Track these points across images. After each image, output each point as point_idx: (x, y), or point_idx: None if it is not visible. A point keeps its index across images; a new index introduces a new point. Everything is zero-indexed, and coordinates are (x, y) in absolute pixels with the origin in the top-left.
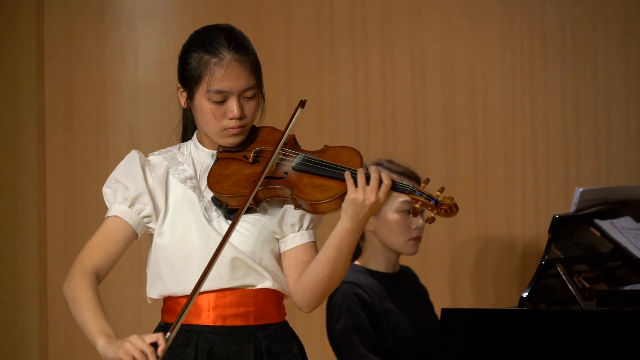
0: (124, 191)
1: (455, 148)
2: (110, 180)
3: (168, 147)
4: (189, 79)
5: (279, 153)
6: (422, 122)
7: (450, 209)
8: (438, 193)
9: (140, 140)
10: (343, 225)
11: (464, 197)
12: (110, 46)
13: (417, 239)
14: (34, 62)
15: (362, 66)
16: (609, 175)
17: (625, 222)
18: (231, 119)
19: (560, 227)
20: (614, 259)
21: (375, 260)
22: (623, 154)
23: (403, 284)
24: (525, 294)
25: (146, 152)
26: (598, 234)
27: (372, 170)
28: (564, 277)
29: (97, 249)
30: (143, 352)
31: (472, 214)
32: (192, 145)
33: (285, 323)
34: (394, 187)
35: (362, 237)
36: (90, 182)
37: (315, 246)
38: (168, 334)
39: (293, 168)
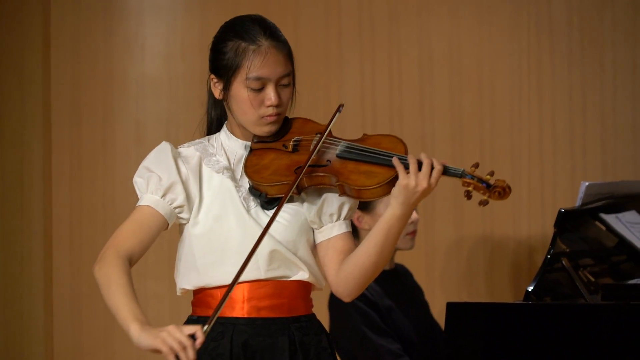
0: (157, 181)
1: (462, 143)
2: (141, 170)
3: (197, 139)
4: (225, 68)
5: (324, 140)
6: (429, 118)
7: (504, 191)
8: (488, 176)
9: (146, 134)
10: (393, 211)
11: None
12: (117, 40)
13: (413, 233)
14: (41, 56)
15: (369, 62)
16: (615, 170)
17: (631, 216)
18: (269, 106)
19: (566, 221)
20: (619, 253)
21: None
22: (629, 149)
23: (399, 282)
24: (530, 288)
25: (153, 146)
26: (603, 228)
27: (424, 157)
28: (569, 271)
29: (130, 235)
30: (181, 344)
31: (479, 208)
32: (224, 136)
33: (314, 315)
34: (446, 171)
35: (357, 235)
36: (97, 176)
37: (351, 235)
38: (206, 326)
39: (337, 156)
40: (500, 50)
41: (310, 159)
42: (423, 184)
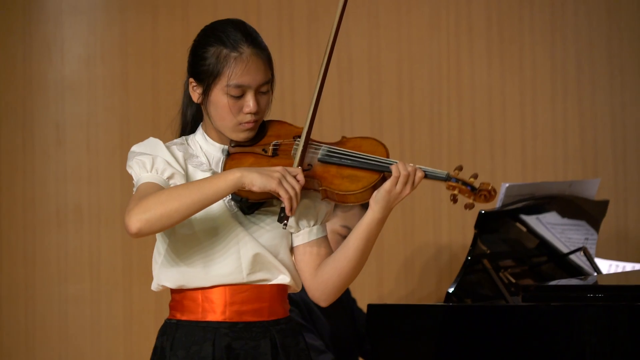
0: (163, 163)
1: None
2: (138, 155)
3: (175, 140)
4: (206, 73)
5: (306, 144)
6: (349, 118)
7: (490, 194)
8: (472, 179)
9: (66, 137)
10: (374, 215)
11: None
12: (37, 42)
13: None
14: None
15: (288, 62)
16: (535, 171)
17: (551, 217)
18: (247, 113)
19: (487, 222)
20: (540, 254)
21: None
22: (549, 150)
23: None
24: (451, 290)
25: (74, 148)
26: (524, 229)
27: (407, 164)
28: (490, 273)
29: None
30: (294, 189)
31: (398, 209)
32: (200, 138)
33: (291, 318)
34: (429, 176)
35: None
36: (16, 179)
37: (328, 240)
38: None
39: (319, 160)
40: (419, 51)
41: (297, 161)
42: (407, 190)
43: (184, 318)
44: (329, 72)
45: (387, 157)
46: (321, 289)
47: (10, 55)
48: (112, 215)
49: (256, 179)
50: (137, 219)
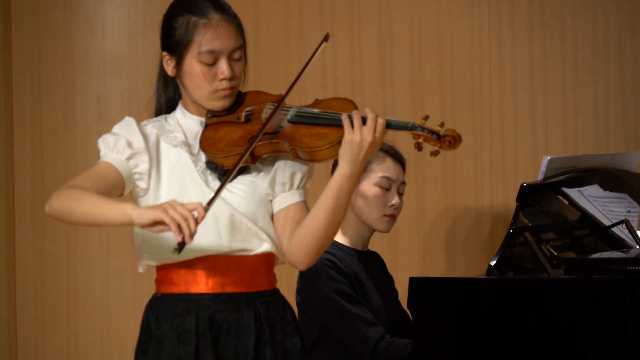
0: (125, 144)
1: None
2: (107, 135)
3: (153, 118)
4: (177, 44)
5: (280, 107)
6: (390, 93)
7: (454, 139)
8: (439, 127)
9: (108, 111)
10: (341, 170)
11: (432, 167)
12: (78, 17)
13: (392, 217)
14: (1, 33)
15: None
16: (577, 144)
17: (593, 190)
18: (222, 80)
19: (528, 195)
20: (581, 227)
21: (346, 233)
22: (591, 122)
23: (371, 265)
24: (493, 263)
25: (115, 122)
26: (566, 202)
27: (368, 111)
28: (532, 246)
29: (84, 178)
30: (183, 215)
31: (441, 183)
32: (179, 113)
33: (278, 290)
34: (392, 124)
35: None
36: (58, 154)
37: (306, 205)
38: (205, 204)
39: (288, 121)
40: (460, 24)
41: (264, 127)
42: (368, 138)
43: (168, 291)
44: (369, 46)
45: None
46: (297, 250)
47: (52, 30)
48: None
49: (142, 212)
50: (51, 203)
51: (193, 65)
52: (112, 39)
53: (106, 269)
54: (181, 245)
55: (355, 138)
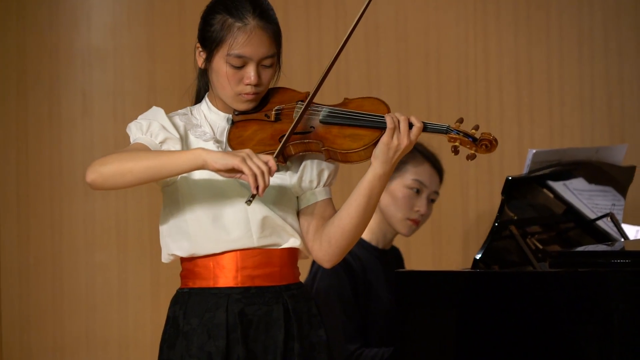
0: (159, 128)
1: (409, 110)
2: (140, 119)
3: (179, 110)
4: (210, 40)
5: (308, 106)
6: (376, 85)
7: (491, 144)
8: (474, 131)
9: (93, 105)
10: (374, 171)
11: None
12: (63, 11)
13: (415, 222)
14: None
15: (315, 29)
16: (562, 137)
17: (578, 183)
18: (247, 84)
19: (514, 188)
20: (567, 220)
21: (370, 229)
22: (576, 116)
23: (389, 264)
24: (478, 256)
25: (100, 117)
26: (551, 195)
27: (400, 114)
28: (517, 239)
29: (121, 153)
30: (260, 168)
31: None
32: (205, 107)
33: (302, 283)
34: (428, 128)
35: None
36: (44, 148)
37: (331, 202)
38: (275, 153)
39: (320, 121)
40: (446, 17)
41: (295, 127)
42: (404, 141)
43: (196, 286)
44: (355, 39)
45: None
46: (325, 248)
47: (36, 24)
48: None
49: (219, 157)
50: (93, 170)
51: (221, 65)
52: (97, 33)
53: (91, 263)
54: (254, 197)
55: (394, 142)
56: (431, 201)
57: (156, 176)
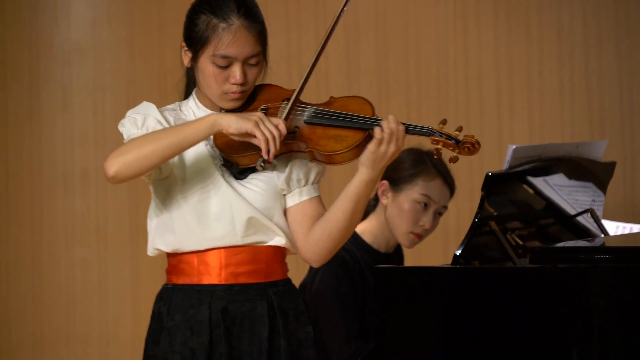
0: (154, 122)
1: (389, 107)
2: (133, 114)
3: (168, 105)
4: (195, 40)
5: (293, 106)
6: (356, 82)
7: (473, 146)
8: (457, 132)
9: (73, 100)
10: (361, 176)
11: None
12: (43, 6)
13: (418, 236)
14: None
15: (295, 25)
16: (542, 133)
17: (558, 179)
18: (233, 84)
19: (494, 184)
20: (547, 216)
21: (373, 232)
22: (556, 111)
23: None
24: (458, 252)
25: (80, 112)
26: (531, 191)
27: (391, 119)
28: (497, 235)
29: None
30: (272, 133)
31: None
32: (193, 104)
33: (290, 280)
34: (409, 130)
35: (376, 203)
36: (23, 143)
37: (320, 200)
38: (285, 114)
39: (305, 122)
40: (425, 13)
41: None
42: (391, 148)
43: (180, 282)
44: (335, 35)
45: (373, 115)
46: (312, 249)
47: (16, 19)
48: None
49: (232, 122)
50: (113, 162)
51: (206, 65)
52: (77, 29)
53: (71, 259)
54: (265, 162)
55: (381, 150)
56: (438, 214)
57: (179, 150)
